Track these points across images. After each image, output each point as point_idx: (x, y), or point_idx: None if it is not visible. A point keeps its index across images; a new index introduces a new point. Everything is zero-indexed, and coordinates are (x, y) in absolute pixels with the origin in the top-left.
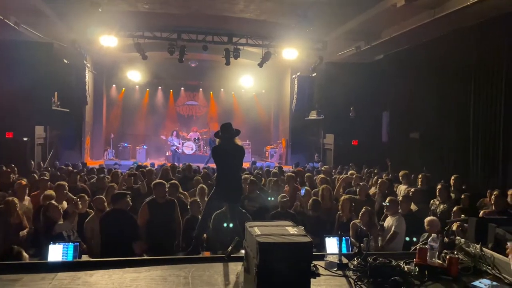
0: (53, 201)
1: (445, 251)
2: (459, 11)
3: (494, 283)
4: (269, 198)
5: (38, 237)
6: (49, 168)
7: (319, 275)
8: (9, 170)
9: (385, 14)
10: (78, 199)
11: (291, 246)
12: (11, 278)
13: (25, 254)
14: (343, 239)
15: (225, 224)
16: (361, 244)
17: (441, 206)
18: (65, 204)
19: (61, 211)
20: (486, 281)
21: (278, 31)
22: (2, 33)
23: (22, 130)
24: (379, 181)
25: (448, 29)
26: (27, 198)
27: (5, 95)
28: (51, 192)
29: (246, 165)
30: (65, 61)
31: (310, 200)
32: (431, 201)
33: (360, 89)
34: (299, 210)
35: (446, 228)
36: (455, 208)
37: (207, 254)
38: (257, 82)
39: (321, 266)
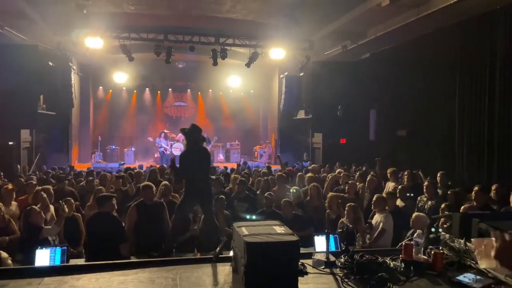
0: (34, 206)
1: (430, 246)
2: (443, 10)
3: (478, 277)
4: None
5: (25, 242)
6: (36, 172)
7: (306, 273)
8: None
9: (370, 14)
10: (64, 203)
11: (278, 245)
12: None
13: (4, 255)
14: (331, 237)
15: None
16: (344, 241)
17: (429, 203)
18: (51, 208)
19: (43, 216)
20: (470, 275)
21: (265, 31)
22: None
23: (7, 134)
24: (367, 179)
25: (433, 28)
26: (14, 203)
27: None
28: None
29: (234, 165)
30: (51, 63)
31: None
32: (419, 198)
33: (347, 88)
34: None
35: (434, 225)
36: (442, 205)
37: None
38: (245, 82)
39: (308, 265)
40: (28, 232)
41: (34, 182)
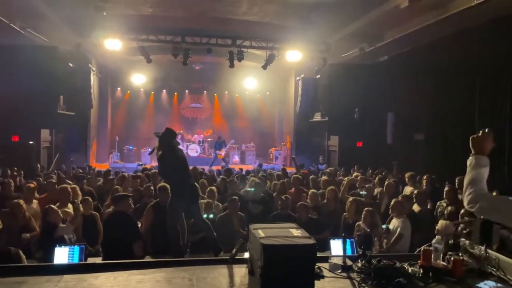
0: (52, 205)
1: (450, 252)
2: (463, 12)
3: (499, 285)
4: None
5: (46, 240)
6: (57, 171)
7: (323, 277)
8: (15, 173)
9: (389, 15)
10: (80, 202)
11: (295, 248)
12: (16, 280)
13: (22, 256)
14: (348, 241)
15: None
16: (361, 246)
17: (449, 208)
18: (70, 207)
19: (61, 215)
20: (491, 283)
21: (282, 33)
22: (8, 37)
23: (28, 133)
24: (385, 183)
25: (453, 30)
26: (34, 201)
27: (11, 99)
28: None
29: (250, 167)
30: (70, 64)
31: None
32: (438, 203)
33: (365, 90)
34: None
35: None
36: (462, 211)
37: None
38: (261, 84)
39: (325, 268)
40: (46, 230)
41: (54, 181)
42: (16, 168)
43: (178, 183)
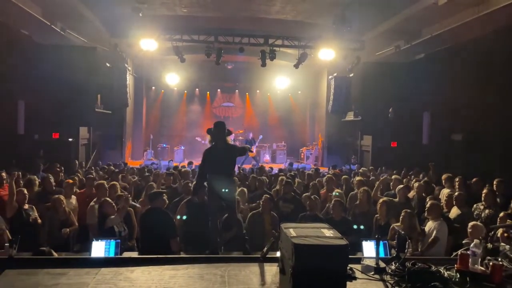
0: (107, 198)
1: (488, 257)
2: (504, 9)
3: None
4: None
5: (83, 234)
6: (95, 168)
7: (355, 278)
8: (58, 169)
9: (426, 12)
10: (124, 196)
11: (326, 248)
12: (58, 272)
13: (55, 254)
14: (381, 242)
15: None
16: (395, 248)
17: (486, 211)
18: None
19: (115, 208)
20: None
21: (315, 32)
22: (49, 38)
23: (67, 131)
24: (416, 185)
25: (493, 27)
26: (73, 196)
27: (52, 97)
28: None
29: (280, 166)
30: (108, 64)
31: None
32: (474, 205)
33: (400, 89)
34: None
35: (490, 234)
36: (501, 214)
37: None
38: (293, 83)
39: (357, 270)
40: (99, 222)
41: (92, 177)
42: (58, 165)
43: (213, 180)
